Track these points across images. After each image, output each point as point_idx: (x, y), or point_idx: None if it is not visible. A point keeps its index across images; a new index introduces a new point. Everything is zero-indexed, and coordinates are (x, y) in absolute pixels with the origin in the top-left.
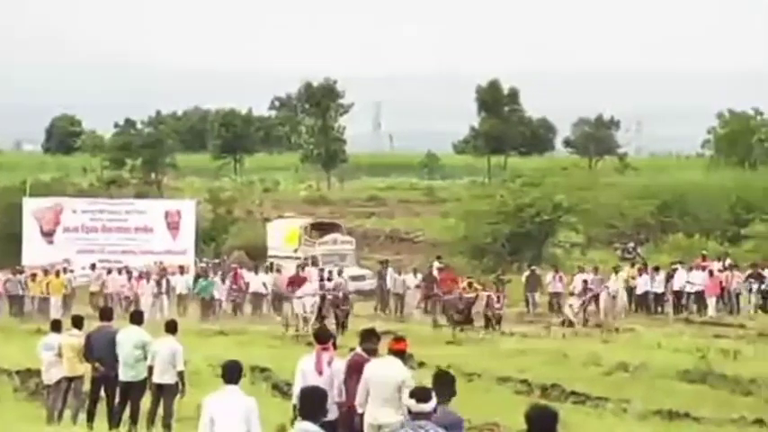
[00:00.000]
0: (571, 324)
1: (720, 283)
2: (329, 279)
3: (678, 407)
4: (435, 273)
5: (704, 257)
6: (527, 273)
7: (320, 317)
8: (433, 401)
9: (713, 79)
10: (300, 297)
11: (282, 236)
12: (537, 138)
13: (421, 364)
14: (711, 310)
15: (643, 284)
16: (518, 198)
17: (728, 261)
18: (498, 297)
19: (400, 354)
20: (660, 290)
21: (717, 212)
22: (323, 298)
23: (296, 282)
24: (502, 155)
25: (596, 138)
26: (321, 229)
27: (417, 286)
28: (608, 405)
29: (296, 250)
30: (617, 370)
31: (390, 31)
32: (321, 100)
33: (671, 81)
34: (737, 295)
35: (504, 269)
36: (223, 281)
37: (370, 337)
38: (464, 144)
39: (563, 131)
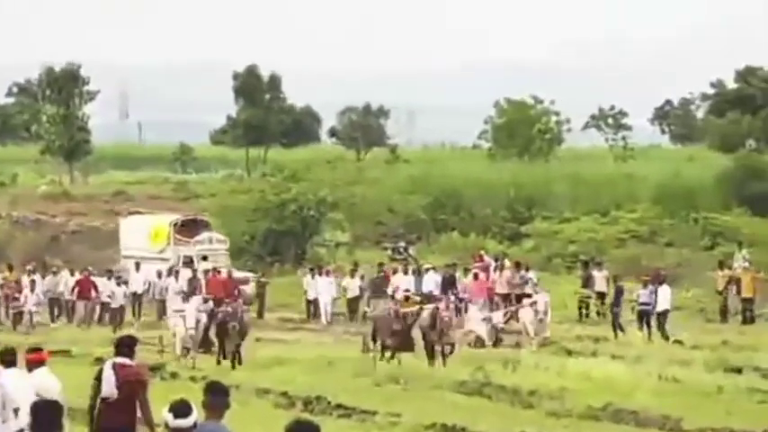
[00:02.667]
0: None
1: (488, 286)
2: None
3: (454, 420)
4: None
5: (481, 257)
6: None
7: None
8: (194, 416)
9: (490, 71)
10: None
11: (145, 234)
12: (300, 128)
13: (173, 375)
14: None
15: (406, 285)
16: (279, 193)
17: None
18: (447, 306)
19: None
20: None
21: (495, 209)
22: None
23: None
24: (262, 146)
25: (364, 127)
26: (192, 226)
27: None
28: (376, 419)
29: (162, 250)
30: (388, 381)
31: (144, 17)
32: (64, 86)
33: (446, 74)
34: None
35: (263, 271)
36: None
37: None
38: (221, 135)
39: (329, 121)
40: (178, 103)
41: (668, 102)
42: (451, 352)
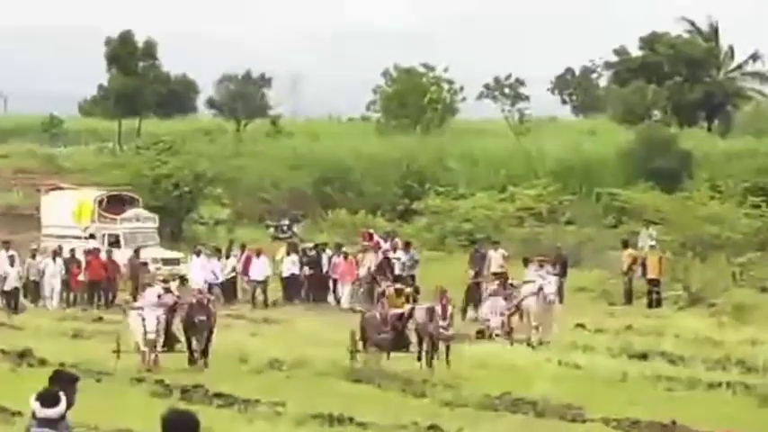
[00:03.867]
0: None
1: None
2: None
3: (341, 410)
4: None
5: (370, 236)
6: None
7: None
8: (62, 406)
9: (379, 36)
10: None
11: (69, 210)
12: (177, 98)
13: (42, 362)
14: (345, 299)
15: (291, 267)
16: (154, 168)
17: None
18: (445, 307)
19: None
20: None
21: (385, 184)
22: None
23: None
24: (136, 117)
25: (244, 97)
26: (119, 202)
27: None
28: (259, 408)
29: (87, 228)
30: (269, 368)
31: None
32: None
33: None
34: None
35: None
36: None
37: None
38: (92, 105)
39: (208, 91)
40: (45, 71)
41: (569, 70)
42: (447, 352)
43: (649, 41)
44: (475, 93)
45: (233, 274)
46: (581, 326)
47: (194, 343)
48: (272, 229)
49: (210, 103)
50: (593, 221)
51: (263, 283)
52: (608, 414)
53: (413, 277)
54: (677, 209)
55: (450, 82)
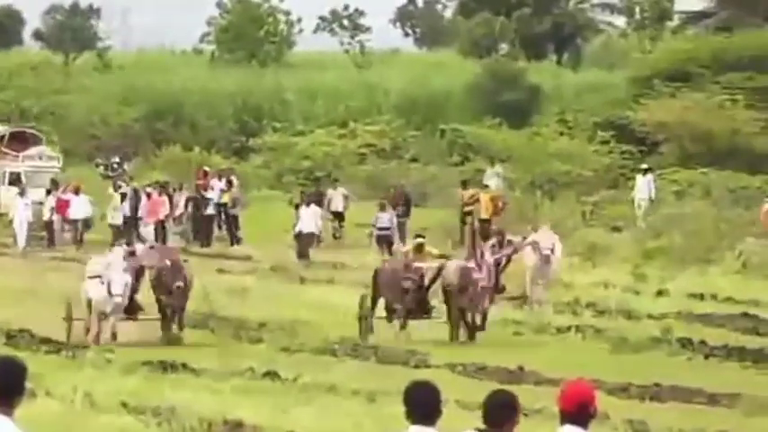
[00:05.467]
0: None
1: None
2: None
3: (173, 357)
4: None
5: (205, 173)
6: None
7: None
8: None
9: None
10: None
11: None
12: (1, 29)
13: None
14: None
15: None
16: None
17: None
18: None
19: None
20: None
21: (221, 120)
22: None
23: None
24: None
25: (73, 29)
26: (21, 139)
27: None
28: (88, 355)
29: None
30: None
31: None
32: None
33: None
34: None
35: None
36: None
37: None
38: None
39: (34, 23)
40: None
41: (412, 1)
42: (483, 323)
43: None
44: (313, 25)
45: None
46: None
47: (168, 310)
48: (101, 168)
49: (37, 36)
50: (438, 159)
51: (85, 221)
52: (453, 360)
53: (236, 218)
54: (525, 145)
55: (288, 13)
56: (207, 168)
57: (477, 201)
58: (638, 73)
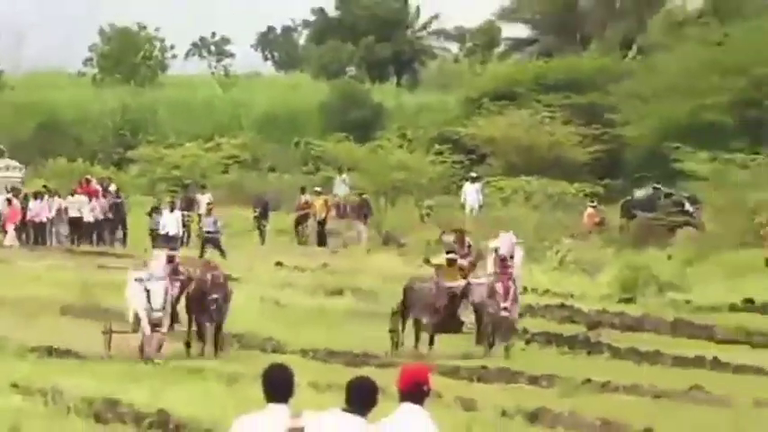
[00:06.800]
0: None
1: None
2: None
3: (59, 344)
4: None
5: (88, 182)
6: None
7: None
8: None
9: None
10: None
11: None
12: None
13: None
14: (9, 239)
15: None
16: None
17: None
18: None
19: None
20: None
21: (102, 135)
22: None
23: None
24: None
25: None
26: None
27: None
28: None
29: None
30: None
31: None
32: None
33: None
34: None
35: None
36: None
37: None
38: None
39: None
40: None
41: (271, 29)
42: (509, 336)
43: (345, 2)
44: (184, 50)
45: None
46: (280, 264)
47: (204, 326)
48: None
49: None
50: (294, 168)
51: None
52: (306, 346)
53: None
54: (369, 157)
55: (162, 40)
56: (89, 177)
57: (312, 205)
58: (469, 93)
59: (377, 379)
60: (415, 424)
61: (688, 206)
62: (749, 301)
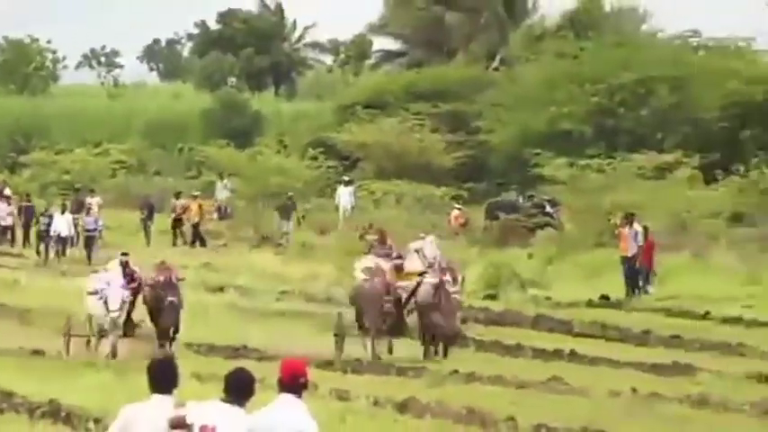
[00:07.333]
0: None
1: None
2: None
3: None
4: None
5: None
6: None
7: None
8: None
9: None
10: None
11: None
12: None
13: None
14: None
15: None
16: None
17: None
18: (455, 277)
19: None
20: None
21: None
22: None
23: None
24: None
25: None
26: None
27: None
28: None
29: None
30: None
31: None
32: None
33: None
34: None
35: None
36: None
37: None
38: None
39: None
40: None
41: (157, 41)
42: (454, 340)
43: (226, 16)
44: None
45: None
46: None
47: (161, 326)
48: None
49: None
50: (177, 173)
51: None
52: (191, 340)
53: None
54: (249, 162)
55: (54, 51)
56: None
57: (189, 209)
58: (343, 102)
59: (256, 371)
60: (292, 414)
61: (548, 208)
62: (604, 297)
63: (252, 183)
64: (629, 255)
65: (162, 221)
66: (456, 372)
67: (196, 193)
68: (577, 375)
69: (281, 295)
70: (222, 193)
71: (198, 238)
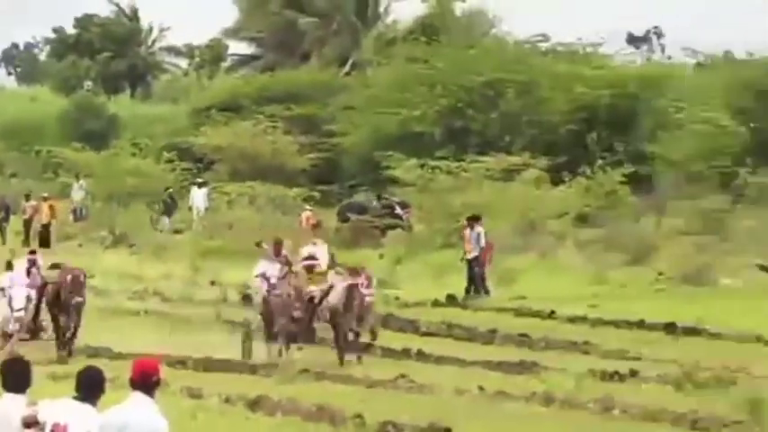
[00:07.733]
0: None
1: None
2: None
3: None
4: None
5: None
6: None
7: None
8: None
9: None
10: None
11: None
12: None
13: None
14: None
15: None
16: None
17: None
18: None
19: None
20: None
21: None
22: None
23: None
24: None
25: None
26: None
27: None
28: None
29: None
30: None
31: None
32: None
33: None
34: None
35: None
36: None
37: None
38: None
39: None
40: None
41: (15, 45)
42: (371, 343)
43: (83, 21)
44: None
45: None
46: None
47: (62, 328)
48: None
49: None
50: (34, 175)
51: None
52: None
53: None
54: (104, 164)
55: None
56: None
57: (39, 210)
58: (198, 105)
59: (109, 370)
60: (143, 412)
61: (398, 210)
62: (451, 297)
63: (107, 184)
64: (470, 257)
65: (17, 222)
66: (307, 370)
67: (46, 195)
68: (425, 374)
69: (134, 294)
70: (78, 195)
71: (45, 238)
